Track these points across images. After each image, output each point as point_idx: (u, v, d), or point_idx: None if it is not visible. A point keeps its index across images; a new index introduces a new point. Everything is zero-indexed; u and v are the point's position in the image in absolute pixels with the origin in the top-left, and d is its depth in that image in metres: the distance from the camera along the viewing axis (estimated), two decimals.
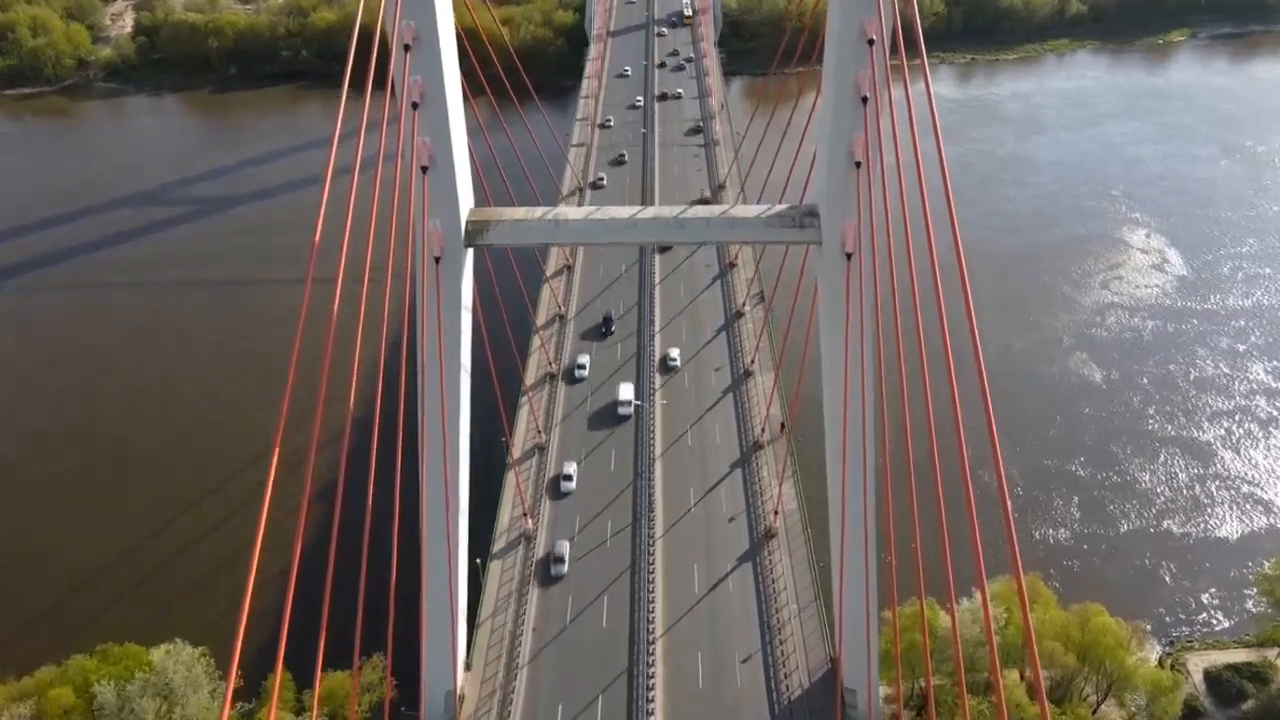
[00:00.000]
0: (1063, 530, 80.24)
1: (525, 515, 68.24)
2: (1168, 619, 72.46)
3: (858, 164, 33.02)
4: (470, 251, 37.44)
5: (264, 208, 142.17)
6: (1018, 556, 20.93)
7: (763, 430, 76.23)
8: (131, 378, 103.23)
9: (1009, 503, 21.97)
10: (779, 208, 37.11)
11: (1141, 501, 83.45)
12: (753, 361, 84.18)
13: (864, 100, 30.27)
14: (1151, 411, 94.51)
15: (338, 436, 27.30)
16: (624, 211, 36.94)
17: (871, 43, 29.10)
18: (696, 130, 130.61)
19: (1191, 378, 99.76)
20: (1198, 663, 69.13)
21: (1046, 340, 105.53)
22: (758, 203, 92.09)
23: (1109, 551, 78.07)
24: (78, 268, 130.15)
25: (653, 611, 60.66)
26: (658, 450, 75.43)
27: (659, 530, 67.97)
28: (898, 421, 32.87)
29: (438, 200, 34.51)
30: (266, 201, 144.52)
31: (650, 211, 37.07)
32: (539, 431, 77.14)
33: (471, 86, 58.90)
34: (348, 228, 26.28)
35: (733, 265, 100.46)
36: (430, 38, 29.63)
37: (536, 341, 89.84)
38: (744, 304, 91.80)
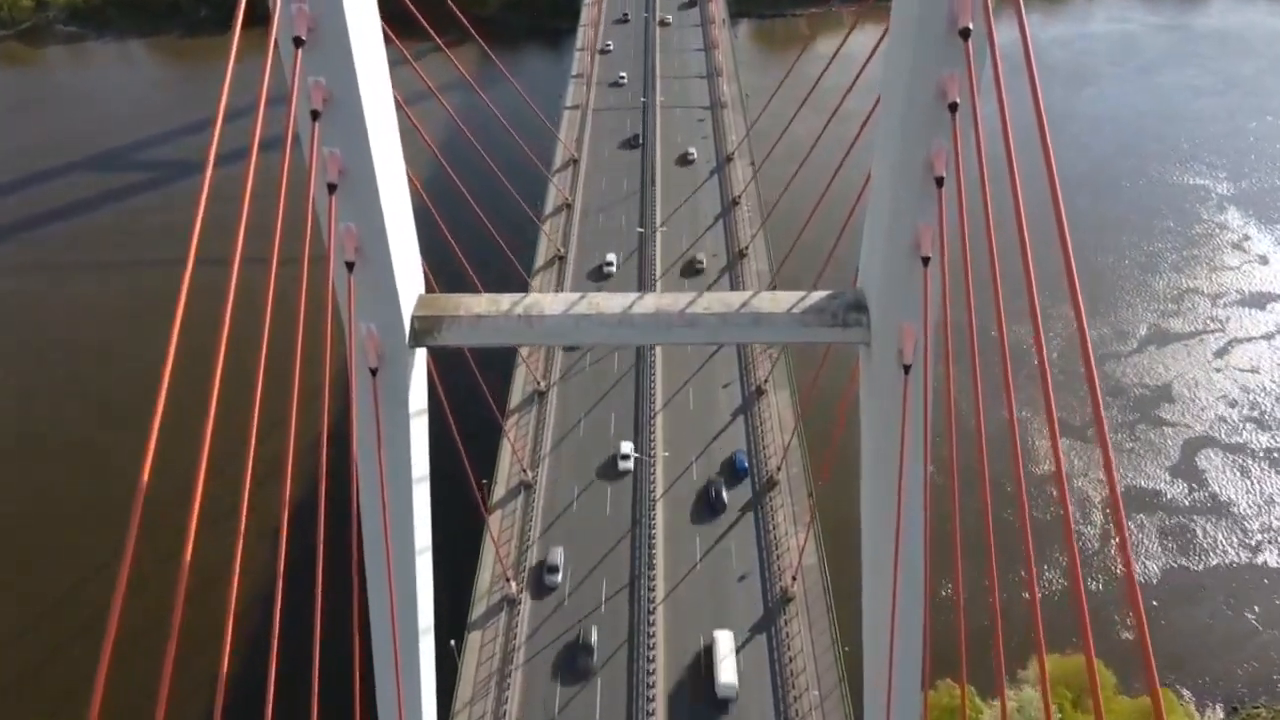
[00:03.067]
0: (1145, 563, 71.30)
1: (507, 578, 60.10)
2: (1240, 685, 64.33)
3: (924, 259, 22.99)
4: (420, 352, 26.97)
5: (240, 171, 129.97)
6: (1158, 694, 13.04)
7: (779, 468, 67.42)
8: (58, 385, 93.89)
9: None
10: (814, 297, 26.83)
11: (1234, 528, 73.91)
12: (766, 380, 74.83)
13: (938, 181, 21.40)
14: (1238, 418, 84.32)
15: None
16: (616, 303, 26.47)
17: (954, 108, 19.83)
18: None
19: None
20: None
21: (1118, 333, 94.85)
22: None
23: (1193, 589, 69.34)
24: (22, 244, 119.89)
25: (653, 700, 53.11)
26: (658, 490, 66.86)
27: (660, 593, 59.90)
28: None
29: (371, 299, 24.54)
30: (242, 164, 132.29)
31: (650, 303, 26.51)
32: (524, 469, 68.45)
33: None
34: (224, 333, 16.84)
35: (743, 255, 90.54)
36: (348, 99, 20.56)
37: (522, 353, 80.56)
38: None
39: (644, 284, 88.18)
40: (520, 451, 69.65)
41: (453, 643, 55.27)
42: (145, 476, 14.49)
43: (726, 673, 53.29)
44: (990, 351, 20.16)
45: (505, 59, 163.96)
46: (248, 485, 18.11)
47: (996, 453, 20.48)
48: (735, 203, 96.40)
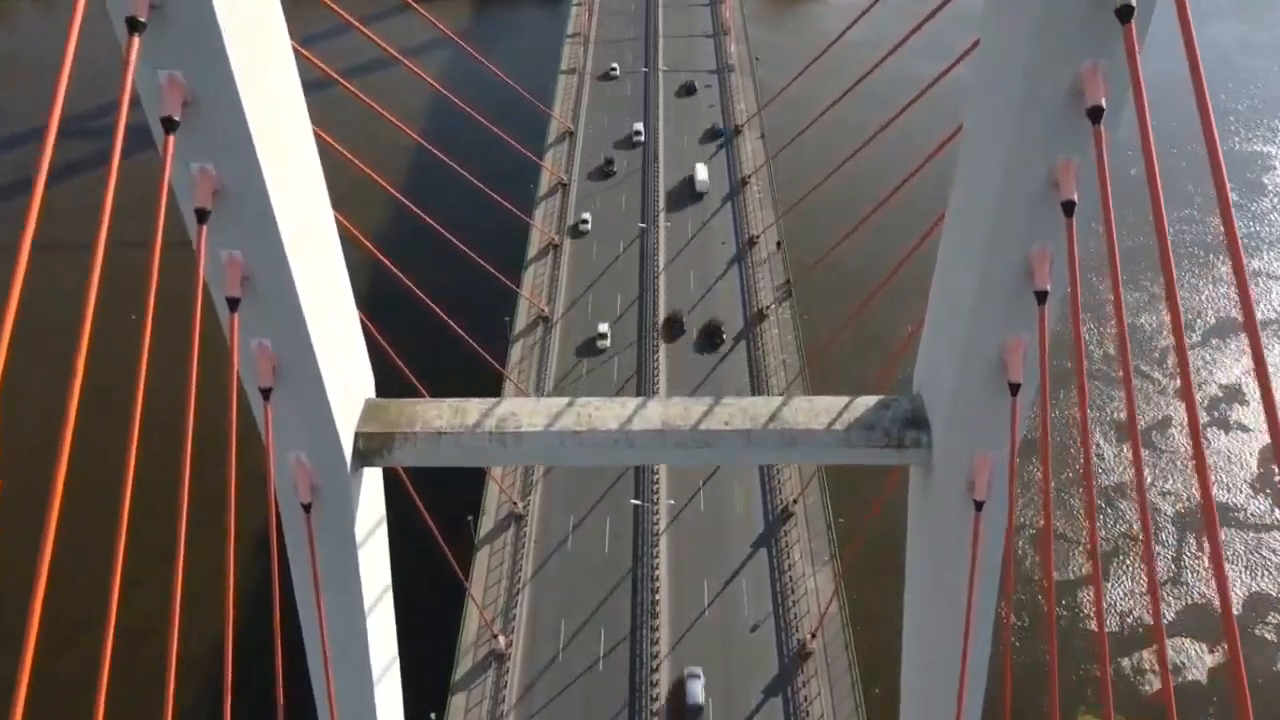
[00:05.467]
0: (1225, 586, 63.77)
1: (494, 634, 54.35)
2: None
3: (1013, 385, 17.54)
4: (368, 473, 20.19)
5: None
6: None
7: (795, 499, 60.93)
8: None
9: None
10: (860, 406, 20.67)
11: None
12: (781, 395, 67.83)
13: (1039, 296, 15.99)
14: None
15: None
16: (611, 414, 20.38)
17: (1070, 209, 14.11)
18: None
19: None
20: None
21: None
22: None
23: (1276, 624, 62.68)
24: None
25: None
26: (661, 523, 60.62)
27: (664, 645, 54.13)
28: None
29: (296, 425, 18.78)
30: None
31: (654, 414, 20.32)
32: (513, 501, 62.19)
33: None
34: None
35: (753, 243, 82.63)
36: (248, 190, 14.45)
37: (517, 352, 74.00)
38: (769, 307, 74.56)
39: (645, 268, 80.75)
40: (507, 481, 63.42)
41: (433, 716, 49.81)
42: None
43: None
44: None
45: (499, 15, 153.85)
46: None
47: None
48: (745, 183, 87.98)
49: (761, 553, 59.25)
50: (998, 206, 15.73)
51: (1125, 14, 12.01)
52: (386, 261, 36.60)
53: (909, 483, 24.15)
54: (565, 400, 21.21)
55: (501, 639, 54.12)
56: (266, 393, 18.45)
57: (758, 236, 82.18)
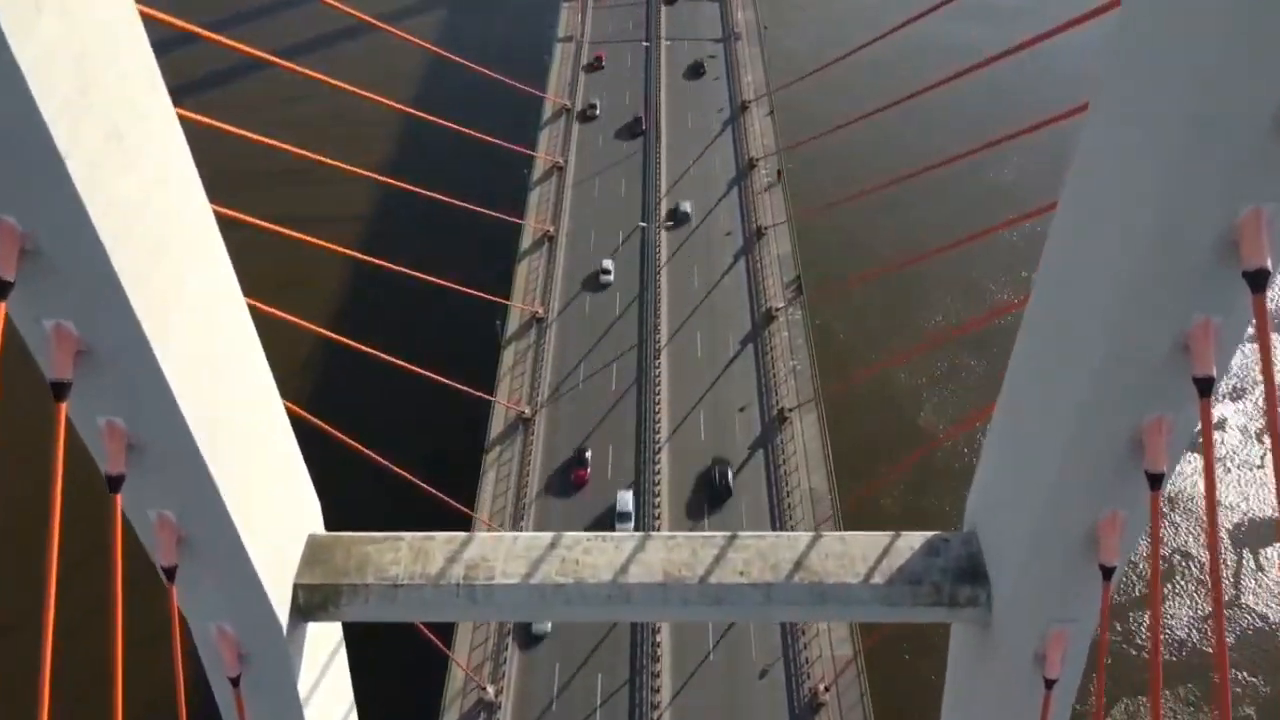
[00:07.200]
0: None
1: (482, 686, 50.45)
2: None
3: (1106, 569, 12.36)
4: (314, 628, 15.44)
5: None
6: None
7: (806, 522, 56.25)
8: None
9: None
10: (904, 549, 15.20)
11: None
12: (794, 409, 62.69)
13: (1153, 480, 10.59)
14: None
15: None
16: (604, 559, 15.33)
17: (1207, 388, 8.86)
18: None
19: None
20: None
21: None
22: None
23: None
24: None
25: None
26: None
27: (665, 694, 50.03)
28: None
29: (213, 597, 14.34)
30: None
31: (655, 560, 15.14)
32: (498, 523, 57.88)
33: None
34: None
35: (761, 233, 76.63)
36: (122, 346, 9.87)
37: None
38: (779, 310, 69.03)
39: (645, 274, 75.34)
40: (497, 504, 59.21)
41: None
42: None
43: None
44: None
45: None
46: None
47: None
48: (752, 165, 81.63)
49: None
50: (1102, 369, 11.04)
51: None
52: (350, 342, 31.76)
53: (949, 631, 19.17)
54: (548, 539, 16.70)
55: (490, 688, 50.22)
56: (171, 572, 14.40)
57: (766, 228, 76.31)
